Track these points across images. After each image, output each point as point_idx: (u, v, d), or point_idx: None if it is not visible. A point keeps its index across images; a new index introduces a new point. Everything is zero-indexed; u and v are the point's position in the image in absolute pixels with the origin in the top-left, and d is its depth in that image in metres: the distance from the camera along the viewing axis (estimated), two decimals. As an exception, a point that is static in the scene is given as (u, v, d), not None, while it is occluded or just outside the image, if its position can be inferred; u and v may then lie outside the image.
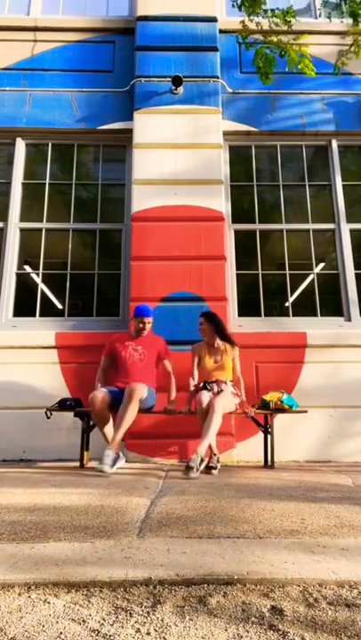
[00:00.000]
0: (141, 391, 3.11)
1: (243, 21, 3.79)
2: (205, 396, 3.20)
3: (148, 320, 3.48)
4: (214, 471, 3.11)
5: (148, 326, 3.49)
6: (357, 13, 3.88)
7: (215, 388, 3.35)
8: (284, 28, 3.89)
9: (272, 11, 3.85)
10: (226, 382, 3.43)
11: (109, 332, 3.97)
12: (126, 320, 4.13)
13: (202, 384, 3.39)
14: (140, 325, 3.46)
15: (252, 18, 3.80)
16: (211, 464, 3.16)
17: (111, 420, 3.22)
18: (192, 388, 3.43)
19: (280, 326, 4.20)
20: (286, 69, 3.96)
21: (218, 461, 3.26)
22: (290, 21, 3.81)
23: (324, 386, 3.99)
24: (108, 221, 4.62)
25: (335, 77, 4.72)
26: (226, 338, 3.51)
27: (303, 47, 3.75)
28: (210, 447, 3.18)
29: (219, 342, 3.49)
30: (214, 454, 3.26)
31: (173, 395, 3.43)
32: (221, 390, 3.34)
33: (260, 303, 4.39)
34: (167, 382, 3.48)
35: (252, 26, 3.85)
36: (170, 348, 3.59)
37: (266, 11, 3.84)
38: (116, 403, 3.16)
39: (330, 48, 4.81)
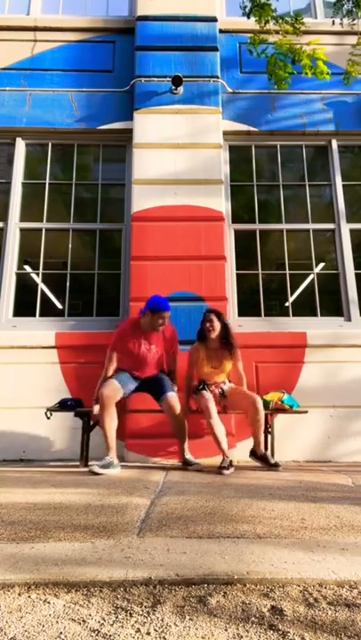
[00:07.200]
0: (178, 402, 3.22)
1: (253, 30, 3.75)
2: (210, 400, 3.17)
3: (168, 314, 3.21)
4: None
5: (167, 321, 3.25)
6: None
7: (216, 391, 3.35)
8: (293, 34, 3.85)
9: (281, 17, 3.82)
10: (225, 382, 3.44)
11: (109, 332, 3.97)
12: (126, 320, 4.12)
13: (201, 385, 3.33)
14: (160, 321, 3.18)
15: (262, 25, 3.76)
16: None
17: (113, 418, 3.07)
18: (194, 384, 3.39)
19: (280, 326, 4.20)
20: (302, 74, 3.90)
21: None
22: (299, 28, 3.78)
23: (324, 386, 3.99)
24: (108, 221, 4.62)
25: (335, 77, 4.70)
26: (230, 343, 3.28)
27: (317, 51, 3.69)
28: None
29: (221, 346, 3.31)
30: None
31: (175, 388, 3.38)
32: (222, 390, 3.33)
33: (260, 303, 4.39)
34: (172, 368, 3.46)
35: (263, 32, 3.78)
36: None
37: (276, 18, 3.81)
38: (132, 391, 3.30)
39: (330, 48, 4.78)
